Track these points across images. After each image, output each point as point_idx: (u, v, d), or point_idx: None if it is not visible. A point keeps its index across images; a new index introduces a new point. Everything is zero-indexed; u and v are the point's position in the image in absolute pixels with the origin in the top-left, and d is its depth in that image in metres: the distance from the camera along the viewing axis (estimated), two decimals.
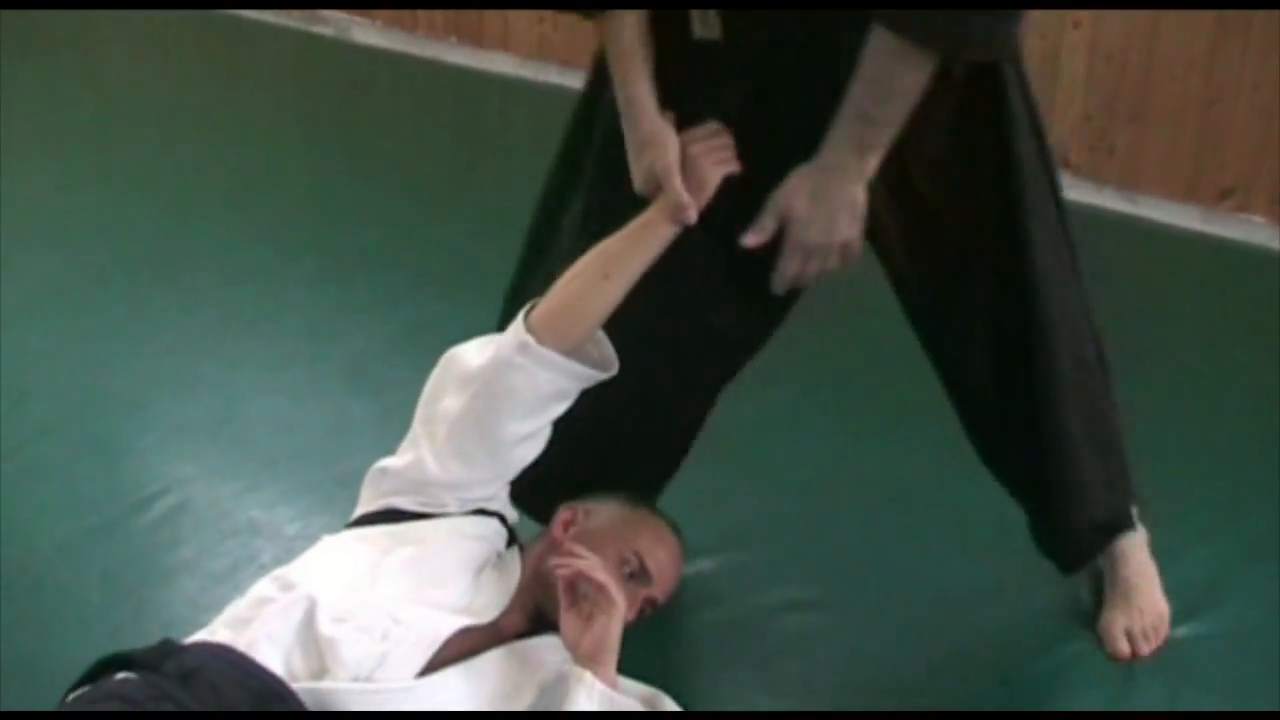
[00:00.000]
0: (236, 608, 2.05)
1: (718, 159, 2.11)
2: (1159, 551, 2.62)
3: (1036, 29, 4.55)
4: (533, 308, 2.17)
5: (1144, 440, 3.03)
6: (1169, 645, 2.52)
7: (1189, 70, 4.34)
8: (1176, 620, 2.57)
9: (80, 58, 5.69)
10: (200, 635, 2.00)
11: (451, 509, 2.22)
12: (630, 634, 2.28)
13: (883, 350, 3.64)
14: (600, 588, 2.01)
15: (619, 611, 2.01)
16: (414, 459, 2.21)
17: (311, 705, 1.88)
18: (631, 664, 2.10)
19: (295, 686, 1.89)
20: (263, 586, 2.08)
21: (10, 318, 3.38)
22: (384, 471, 2.25)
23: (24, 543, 2.69)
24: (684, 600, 2.60)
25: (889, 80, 1.97)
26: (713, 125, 2.13)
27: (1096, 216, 4.54)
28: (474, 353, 2.21)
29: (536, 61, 5.77)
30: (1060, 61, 4.56)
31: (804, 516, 2.91)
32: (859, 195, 2.07)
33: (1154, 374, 3.54)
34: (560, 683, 2.01)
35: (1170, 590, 2.59)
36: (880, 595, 2.66)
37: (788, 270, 2.16)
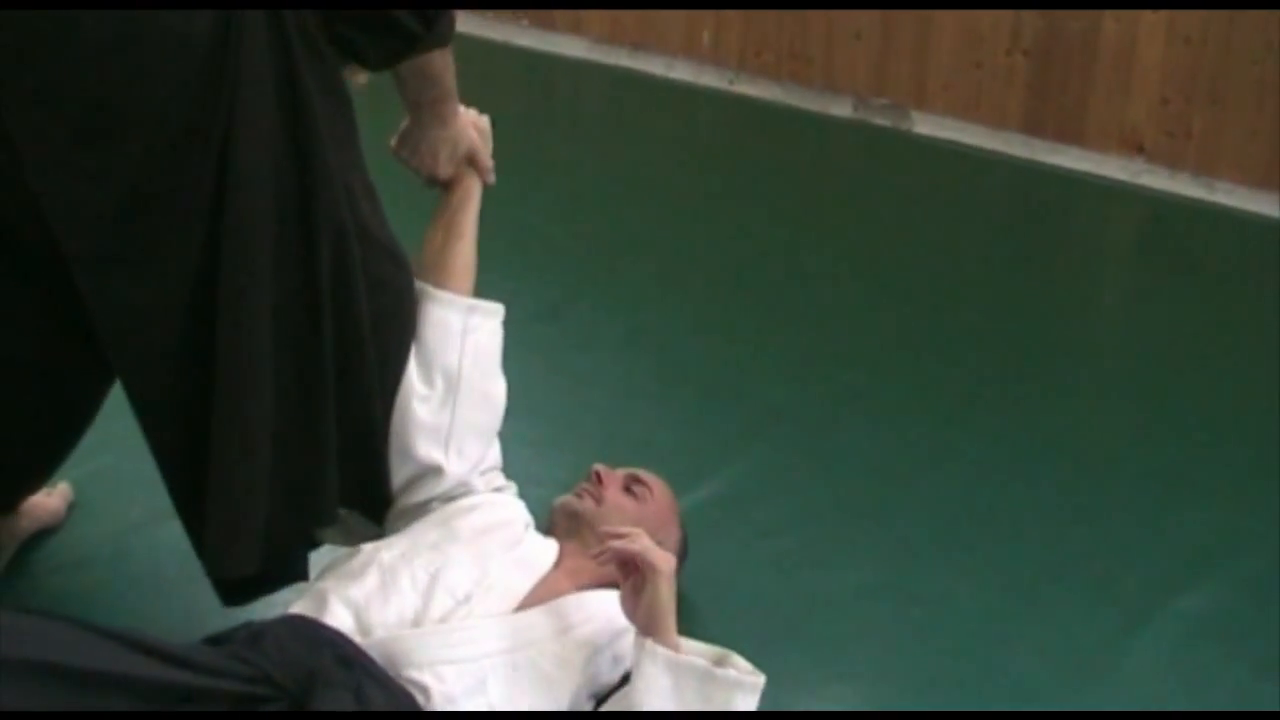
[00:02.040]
0: (319, 580, 2.14)
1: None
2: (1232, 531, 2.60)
3: (1112, 10, 4.51)
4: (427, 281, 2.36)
5: (1223, 421, 3.02)
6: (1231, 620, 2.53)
7: (1268, 53, 4.28)
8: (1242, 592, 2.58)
9: None
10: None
11: (478, 489, 2.33)
12: (700, 612, 2.33)
13: (954, 335, 3.65)
14: (638, 557, 2.05)
15: (662, 575, 2.04)
16: (432, 478, 2.29)
17: (380, 659, 1.94)
18: (704, 642, 2.11)
19: (363, 643, 1.96)
20: (344, 562, 2.16)
21: None
22: (407, 504, 2.32)
23: (101, 520, 2.72)
24: (752, 580, 2.62)
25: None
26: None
27: (1171, 203, 4.50)
28: (426, 358, 2.31)
29: (607, 45, 5.77)
30: (1137, 43, 4.51)
31: (873, 499, 2.91)
32: None
33: (1230, 361, 3.52)
34: (625, 637, 2.09)
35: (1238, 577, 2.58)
36: (950, 581, 2.65)
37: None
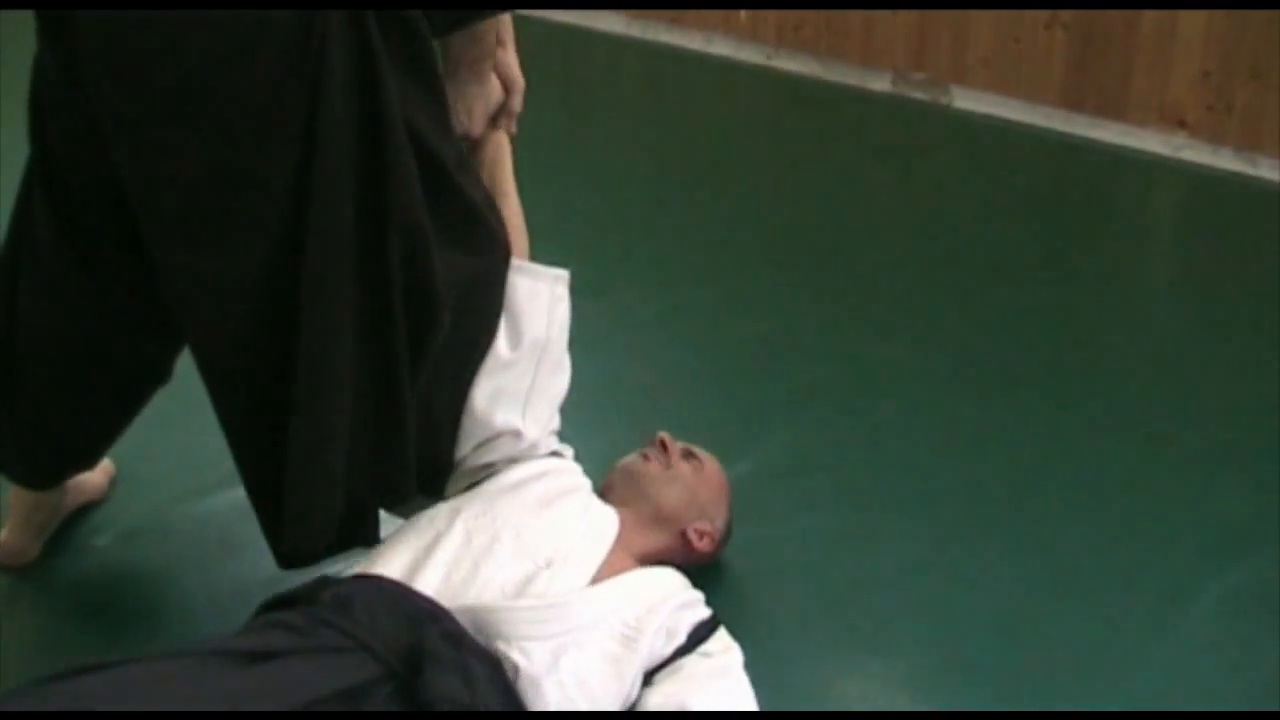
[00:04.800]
0: (400, 538, 2.15)
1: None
2: None
3: None
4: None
5: (1265, 397, 3.00)
6: (1273, 595, 2.51)
7: None
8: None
9: None
10: (362, 564, 2.11)
11: (542, 450, 2.37)
12: (741, 587, 2.38)
13: (994, 312, 3.64)
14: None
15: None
16: (509, 440, 2.31)
17: (469, 626, 1.96)
18: (747, 618, 2.12)
19: (452, 608, 1.97)
20: (425, 518, 2.19)
21: None
22: (475, 465, 2.33)
23: (143, 495, 2.74)
24: (792, 555, 2.62)
25: None
26: None
27: (1212, 178, 4.47)
28: (516, 326, 2.32)
29: (645, 20, 5.76)
30: (1178, 16, 4.48)
31: (914, 475, 2.90)
32: None
33: (1273, 337, 3.49)
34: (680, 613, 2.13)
35: None
36: (991, 558, 2.64)
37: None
